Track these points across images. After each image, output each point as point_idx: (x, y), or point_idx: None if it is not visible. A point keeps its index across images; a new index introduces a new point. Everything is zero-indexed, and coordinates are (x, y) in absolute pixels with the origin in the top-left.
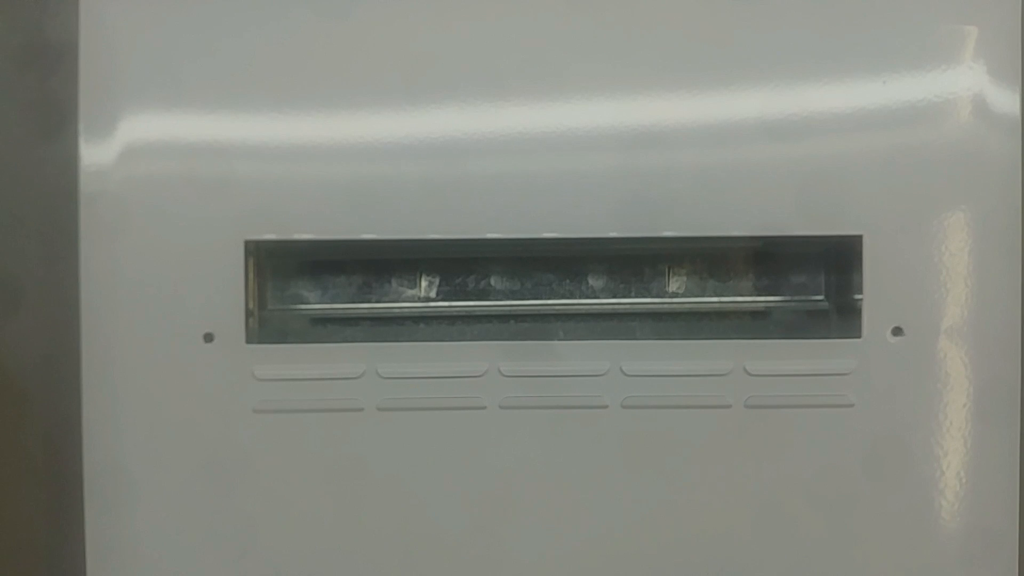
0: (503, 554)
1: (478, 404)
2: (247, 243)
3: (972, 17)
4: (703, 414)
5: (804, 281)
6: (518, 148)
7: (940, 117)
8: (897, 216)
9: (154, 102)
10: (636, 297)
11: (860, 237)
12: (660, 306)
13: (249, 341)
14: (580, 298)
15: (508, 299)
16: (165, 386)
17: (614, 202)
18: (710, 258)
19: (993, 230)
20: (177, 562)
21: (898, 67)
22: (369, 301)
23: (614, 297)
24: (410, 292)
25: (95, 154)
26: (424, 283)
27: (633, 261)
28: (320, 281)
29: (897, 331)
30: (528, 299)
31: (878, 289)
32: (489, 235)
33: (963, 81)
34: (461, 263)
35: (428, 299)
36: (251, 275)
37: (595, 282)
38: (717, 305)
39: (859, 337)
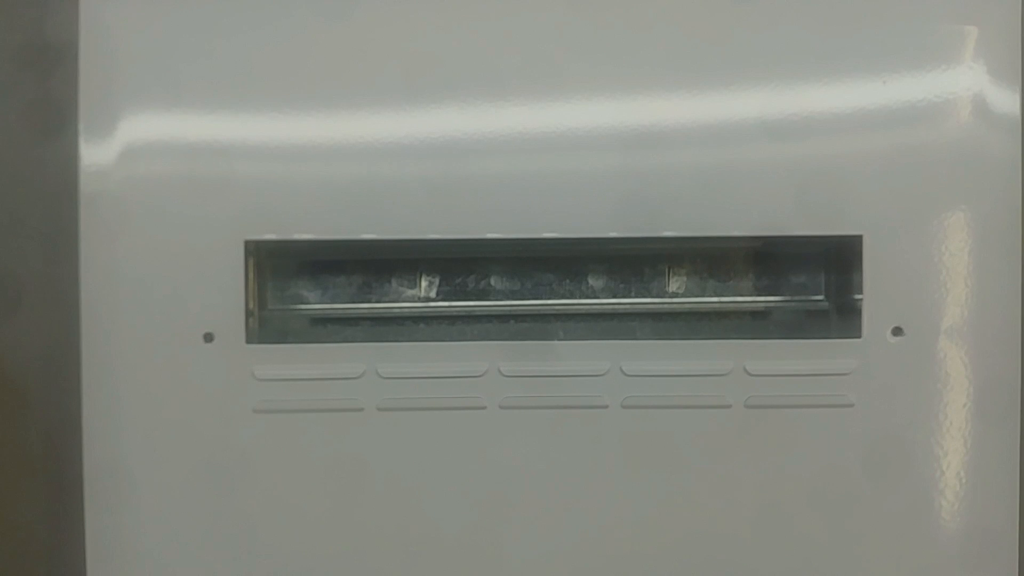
0: (503, 554)
1: (478, 404)
2: (247, 243)
3: (972, 17)
4: (703, 414)
5: (804, 281)
6: (518, 148)
7: (940, 117)
8: (897, 216)
9: (154, 102)
10: (636, 297)
11: (860, 237)
12: (660, 306)
13: (249, 341)
14: (580, 298)
15: (508, 299)
16: (165, 386)
17: (614, 202)
18: (710, 258)
19: (993, 230)
20: (177, 562)
21: (898, 67)
22: (369, 301)
23: (614, 297)
24: (410, 292)
25: (95, 154)
26: (424, 283)
27: (633, 261)
28: (320, 281)
29: (897, 331)
30: (528, 299)
31: (878, 289)
32: (489, 235)
33: (963, 81)
34: (461, 263)
35: (428, 299)
36: (251, 275)
37: (595, 282)
38: (717, 305)
39: (859, 337)
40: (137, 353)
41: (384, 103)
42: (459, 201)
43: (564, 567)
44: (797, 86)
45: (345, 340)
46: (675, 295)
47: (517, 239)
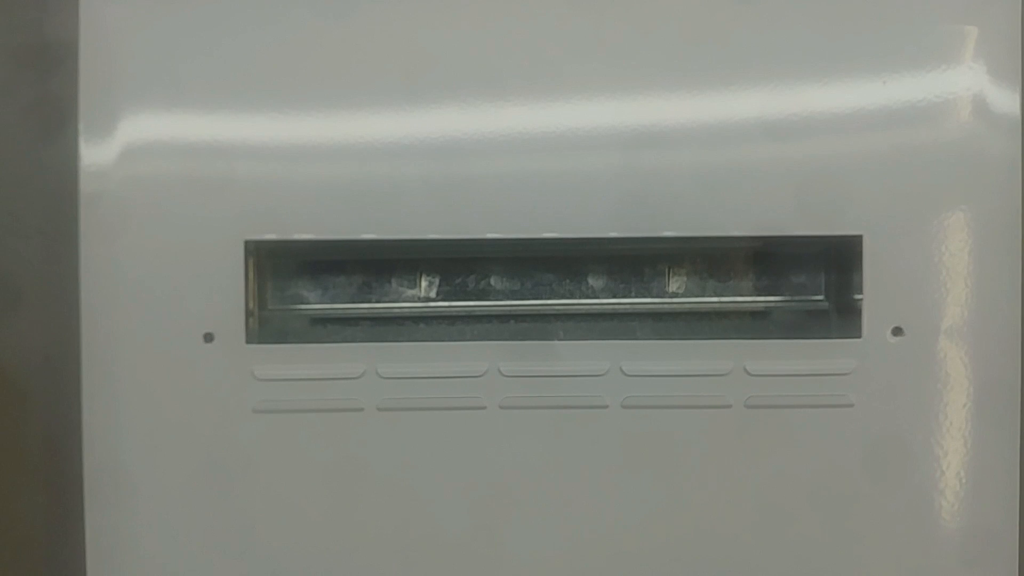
0: (503, 554)
1: (478, 404)
2: (247, 243)
3: (972, 17)
4: (703, 414)
5: (804, 281)
6: (518, 148)
7: (940, 117)
8: (897, 216)
9: (154, 102)
10: (636, 297)
11: (860, 237)
12: (660, 306)
13: (249, 341)
14: (580, 298)
15: (508, 299)
16: (165, 386)
17: (614, 202)
18: (710, 258)
19: (993, 230)
20: (177, 562)
21: (898, 67)
22: (369, 301)
23: (614, 297)
24: (410, 292)
25: (95, 154)
26: (424, 283)
27: (633, 261)
28: (320, 281)
29: (897, 331)
30: (528, 299)
31: (878, 289)
32: (489, 235)
33: (963, 81)
34: (461, 263)
35: (428, 299)
36: (251, 275)
37: (595, 282)
38: (717, 305)
39: (859, 337)
40: (137, 353)
41: (384, 103)
42: (459, 201)
43: (564, 567)
44: (797, 86)
45: (345, 340)
46: (675, 295)
47: (517, 239)
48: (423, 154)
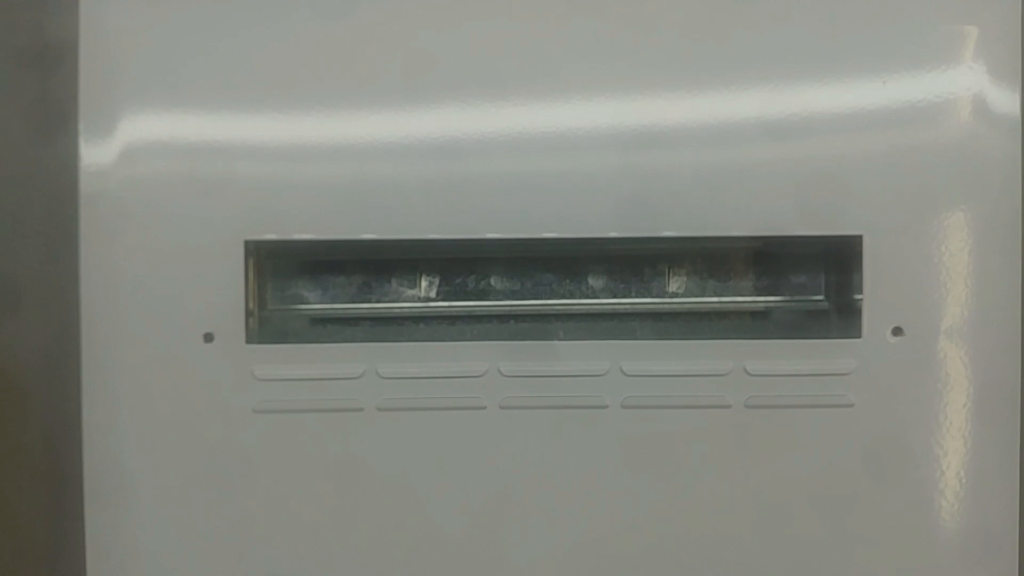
0: (503, 554)
1: (478, 404)
2: (247, 243)
3: (972, 17)
4: (703, 414)
5: (804, 281)
6: (518, 148)
7: (940, 117)
8: (897, 216)
9: (154, 102)
10: (636, 297)
11: (860, 237)
12: (660, 306)
13: (249, 341)
14: (580, 298)
15: (508, 299)
16: (165, 386)
17: (614, 202)
18: (710, 258)
19: (993, 230)
20: (177, 562)
21: (898, 67)
22: (369, 301)
23: (614, 297)
24: (410, 292)
25: (95, 154)
26: (424, 283)
27: (633, 261)
28: (320, 281)
29: (897, 331)
30: (528, 299)
31: (878, 289)
32: (489, 235)
33: (963, 81)
34: (461, 263)
35: (428, 299)
36: (251, 275)
37: (595, 282)
38: (717, 305)
39: (859, 337)
40: (137, 353)
41: (384, 103)
42: (459, 201)
43: (564, 567)
44: (797, 86)
45: (345, 340)
46: (675, 295)
47: (517, 239)
48: (423, 154)
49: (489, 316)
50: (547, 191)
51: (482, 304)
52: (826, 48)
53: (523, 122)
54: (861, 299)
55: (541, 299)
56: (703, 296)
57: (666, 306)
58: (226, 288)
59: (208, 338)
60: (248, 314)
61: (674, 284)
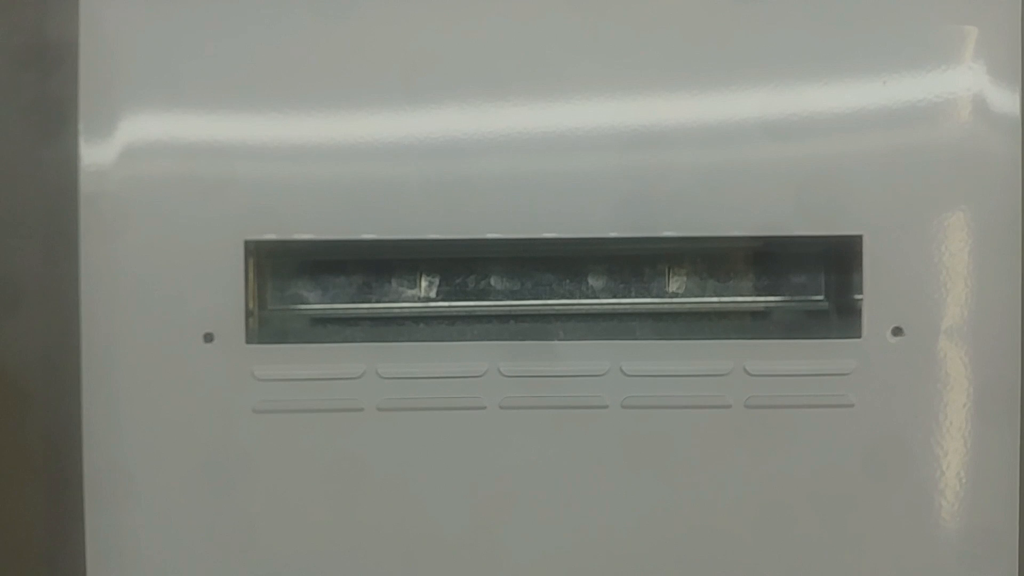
0: (503, 554)
1: (478, 404)
2: (247, 243)
3: (972, 17)
4: (703, 414)
5: (804, 281)
6: (518, 148)
7: (940, 117)
8: (897, 216)
9: (154, 102)
10: (636, 297)
11: (860, 237)
12: (660, 306)
13: (249, 341)
14: (580, 298)
15: (508, 299)
16: (165, 386)
17: (614, 202)
18: (710, 258)
19: (993, 230)
20: (177, 562)
21: (898, 67)
22: (369, 301)
23: (614, 297)
24: (410, 292)
25: (95, 154)
26: (424, 283)
27: (633, 261)
28: (320, 281)
29: (897, 331)
30: (528, 299)
31: (878, 289)
32: (489, 235)
33: (963, 81)
34: (461, 263)
35: (428, 299)
36: (251, 275)
37: (595, 282)
38: (717, 305)
39: (859, 337)
40: (137, 353)
41: (384, 103)
42: (459, 201)
43: (564, 567)
44: (797, 86)
45: (345, 340)
46: (675, 295)
47: (517, 239)
48: (423, 154)
49: (489, 316)
50: (547, 191)
51: (482, 304)
52: (826, 48)
53: (523, 122)
54: (861, 299)
55: (541, 299)
56: (703, 296)
57: (666, 306)
58: (226, 288)
59: (208, 338)
60: (248, 314)
61: (674, 284)
